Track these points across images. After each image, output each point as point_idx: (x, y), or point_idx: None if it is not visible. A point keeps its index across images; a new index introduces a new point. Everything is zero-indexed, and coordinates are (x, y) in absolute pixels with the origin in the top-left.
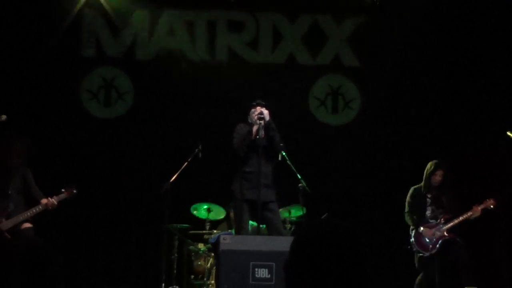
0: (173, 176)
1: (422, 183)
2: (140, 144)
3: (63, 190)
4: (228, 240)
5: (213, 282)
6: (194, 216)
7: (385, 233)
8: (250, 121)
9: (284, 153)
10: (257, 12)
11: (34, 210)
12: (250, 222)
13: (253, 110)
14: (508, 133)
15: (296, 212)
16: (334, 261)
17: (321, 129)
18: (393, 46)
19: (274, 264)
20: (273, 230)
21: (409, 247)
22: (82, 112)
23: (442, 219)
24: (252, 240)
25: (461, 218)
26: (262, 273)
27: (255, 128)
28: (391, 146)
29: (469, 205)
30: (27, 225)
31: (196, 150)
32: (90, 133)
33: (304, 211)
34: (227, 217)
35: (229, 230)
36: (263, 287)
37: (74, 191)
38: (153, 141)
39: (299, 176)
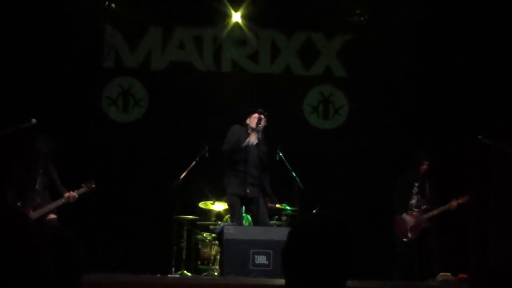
0: (183, 173)
1: (410, 172)
2: (153, 145)
3: (83, 185)
4: (231, 230)
5: (217, 267)
6: (201, 208)
7: (370, 223)
8: (248, 122)
9: (281, 154)
10: (258, 29)
11: (57, 203)
12: (245, 215)
13: (255, 115)
14: (480, 137)
15: (291, 205)
16: (323, 247)
17: (314, 132)
18: (377, 59)
19: (271, 251)
20: (258, 221)
21: None
22: (103, 116)
23: (423, 209)
24: (252, 231)
25: (439, 209)
26: (261, 259)
27: (252, 136)
28: (375, 147)
29: (447, 197)
30: (52, 216)
31: (203, 150)
32: (110, 135)
33: (298, 205)
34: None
35: (232, 222)
36: (261, 272)
37: (93, 185)
38: (165, 142)
39: (294, 174)
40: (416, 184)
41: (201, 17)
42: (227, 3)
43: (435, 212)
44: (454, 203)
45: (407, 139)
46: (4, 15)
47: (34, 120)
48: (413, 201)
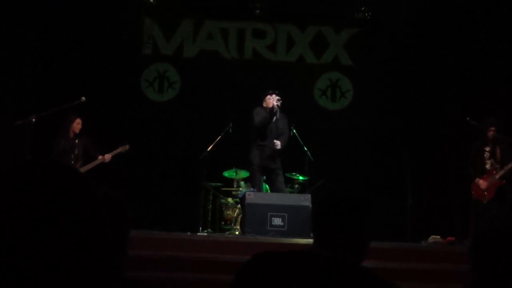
0: (210, 146)
1: (479, 139)
2: (185, 122)
3: (118, 147)
4: (252, 195)
5: (238, 227)
6: (225, 176)
7: (369, 190)
8: (265, 105)
9: (294, 131)
10: (276, 23)
11: (92, 164)
12: (264, 184)
13: (269, 96)
14: (468, 119)
15: (302, 175)
16: (344, 212)
17: (323, 112)
18: (379, 50)
19: (286, 214)
20: (276, 189)
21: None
22: (142, 96)
23: (494, 169)
24: (270, 196)
25: (510, 165)
26: (277, 221)
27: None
28: (374, 125)
29: None
30: None
31: (228, 127)
32: (148, 112)
33: (308, 175)
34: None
35: (252, 189)
36: (277, 232)
37: (127, 146)
38: (195, 119)
39: (305, 148)
40: (487, 149)
41: (227, 12)
42: None
43: (506, 168)
44: None
45: (402, 119)
46: (63, 14)
47: (83, 98)
48: (487, 166)
